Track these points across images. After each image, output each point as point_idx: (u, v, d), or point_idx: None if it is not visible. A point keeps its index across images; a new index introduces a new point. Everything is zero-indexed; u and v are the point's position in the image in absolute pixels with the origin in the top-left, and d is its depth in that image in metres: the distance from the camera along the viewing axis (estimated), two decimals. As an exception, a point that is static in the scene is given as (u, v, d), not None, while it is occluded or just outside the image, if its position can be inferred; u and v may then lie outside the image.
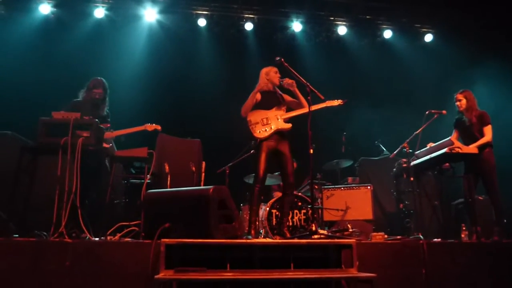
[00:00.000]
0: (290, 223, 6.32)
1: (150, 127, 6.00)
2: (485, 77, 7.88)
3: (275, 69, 5.28)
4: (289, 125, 5.15)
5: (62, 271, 3.53)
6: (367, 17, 9.25)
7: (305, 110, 5.06)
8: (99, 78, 5.60)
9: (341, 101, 5.21)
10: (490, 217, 5.70)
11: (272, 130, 5.06)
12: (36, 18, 8.39)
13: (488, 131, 5.58)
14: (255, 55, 9.26)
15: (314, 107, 4.96)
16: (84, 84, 5.62)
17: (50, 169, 4.62)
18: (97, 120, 4.77)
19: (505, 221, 5.59)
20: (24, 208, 4.72)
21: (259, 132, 5.07)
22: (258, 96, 5.24)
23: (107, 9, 8.55)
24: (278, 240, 4.65)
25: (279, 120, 5.13)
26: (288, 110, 5.27)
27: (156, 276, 3.25)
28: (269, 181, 6.88)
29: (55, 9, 8.43)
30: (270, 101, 5.26)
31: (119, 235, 4.36)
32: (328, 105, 5.18)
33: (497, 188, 5.49)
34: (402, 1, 8.97)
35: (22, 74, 7.71)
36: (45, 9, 8.33)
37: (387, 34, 9.37)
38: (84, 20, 8.58)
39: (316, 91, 4.70)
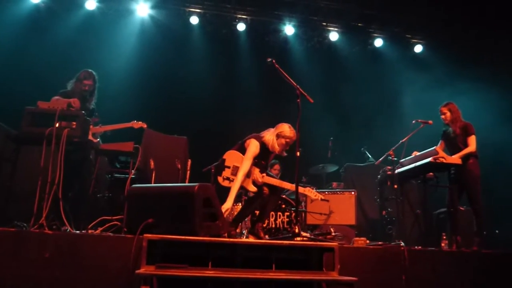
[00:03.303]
0: (273, 225, 6.31)
1: (136, 124, 5.97)
2: (473, 89, 8.01)
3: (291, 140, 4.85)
4: (254, 189, 4.81)
5: (41, 262, 3.47)
6: (359, 24, 9.34)
7: (285, 186, 4.93)
8: (89, 70, 5.55)
9: (322, 196, 5.16)
10: (470, 228, 5.79)
11: (230, 185, 4.73)
12: (26, 6, 8.29)
13: (472, 141, 5.65)
14: (246, 56, 9.26)
15: (291, 187, 4.79)
16: (73, 76, 5.57)
17: (33, 159, 4.56)
18: (83, 112, 4.71)
19: (485, 232, 5.67)
20: (5, 198, 4.64)
21: (223, 179, 4.76)
22: (258, 149, 4.80)
23: (99, 1, 8.49)
24: (261, 240, 4.64)
25: (249, 179, 4.80)
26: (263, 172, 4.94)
27: (136, 271, 3.22)
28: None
29: (45, -2, 8.35)
30: (258, 155, 4.85)
31: (100, 229, 4.32)
32: (306, 193, 5.08)
33: (480, 199, 5.56)
34: (395, 10, 9.07)
35: (9, 62, 7.59)
36: (35, -3, 8.25)
37: (378, 42, 9.47)
38: (75, 11, 8.50)
39: (306, 94, 4.70)
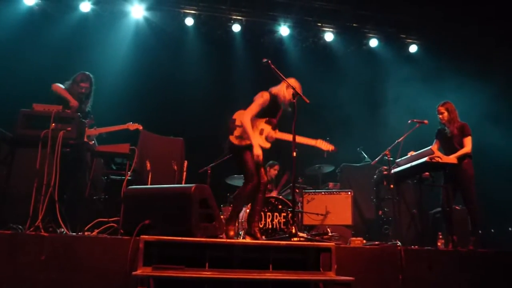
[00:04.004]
0: (270, 226, 6.31)
1: (132, 126, 5.97)
2: (466, 88, 8.06)
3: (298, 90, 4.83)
4: (268, 145, 4.84)
5: (37, 265, 3.46)
6: (354, 25, 9.37)
7: (302, 141, 4.93)
8: (86, 72, 5.53)
9: (333, 147, 5.10)
10: (466, 227, 5.81)
11: (249, 143, 4.70)
12: (20, 9, 8.25)
13: (468, 142, 5.69)
14: (241, 56, 9.27)
15: (302, 140, 4.86)
16: (68, 78, 5.55)
17: (29, 161, 4.53)
18: (79, 114, 4.70)
19: (480, 231, 5.69)
20: (0, 200, 4.62)
21: (236, 138, 4.75)
22: (267, 100, 4.82)
23: (94, 3, 8.46)
24: (258, 241, 4.63)
25: (262, 136, 4.84)
26: (274, 128, 4.97)
27: (133, 273, 3.22)
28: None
29: (39, 1, 8.31)
30: (268, 111, 4.88)
31: (97, 231, 4.30)
32: (318, 145, 5.05)
33: (474, 198, 5.59)
34: (389, 11, 9.09)
35: (3, 64, 7.54)
36: (29, 0, 8.19)
37: (373, 42, 9.51)
38: (69, 13, 8.47)
39: (302, 95, 4.71)
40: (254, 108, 4.78)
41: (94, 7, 8.49)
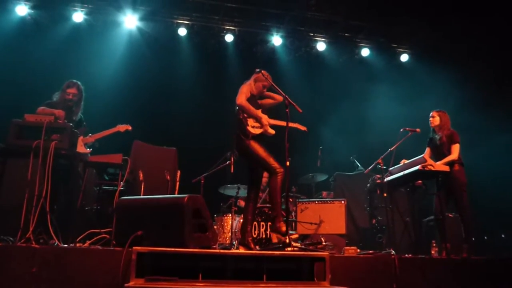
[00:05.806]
0: (264, 236, 6.28)
1: (122, 127, 5.94)
2: (456, 97, 8.13)
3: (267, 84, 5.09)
4: (273, 132, 4.99)
5: (28, 277, 3.41)
6: (346, 34, 9.46)
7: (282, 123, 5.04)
8: (74, 80, 5.52)
9: (305, 128, 5.37)
10: (459, 235, 5.82)
11: (261, 131, 4.87)
12: (12, 19, 8.22)
13: (455, 149, 5.73)
14: (234, 66, 9.30)
15: (283, 124, 4.95)
16: (60, 88, 5.53)
17: (20, 172, 4.50)
18: (71, 124, 4.68)
19: (473, 239, 5.71)
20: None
21: (252, 127, 4.87)
22: (248, 91, 5.02)
23: (86, 14, 8.45)
24: (251, 251, 4.61)
25: (266, 125, 4.94)
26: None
27: (126, 285, 3.18)
28: (243, 192, 6.86)
29: (32, 11, 8.29)
30: (255, 102, 5.07)
31: (88, 242, 4.26)
32: (298, 127, 5.29)
33: (466, 205, 5.61)
34: (381, 21, 9.18)
35: (-5, 75, 7.52)
36: (22, 10, 8.18)
37: (365, 52, 9.59)
38: (62, 23, 8.45)
39: (294, 104, 4.72)
40: (241, 94, 4.92)
41: (87, 17, 8.47)
